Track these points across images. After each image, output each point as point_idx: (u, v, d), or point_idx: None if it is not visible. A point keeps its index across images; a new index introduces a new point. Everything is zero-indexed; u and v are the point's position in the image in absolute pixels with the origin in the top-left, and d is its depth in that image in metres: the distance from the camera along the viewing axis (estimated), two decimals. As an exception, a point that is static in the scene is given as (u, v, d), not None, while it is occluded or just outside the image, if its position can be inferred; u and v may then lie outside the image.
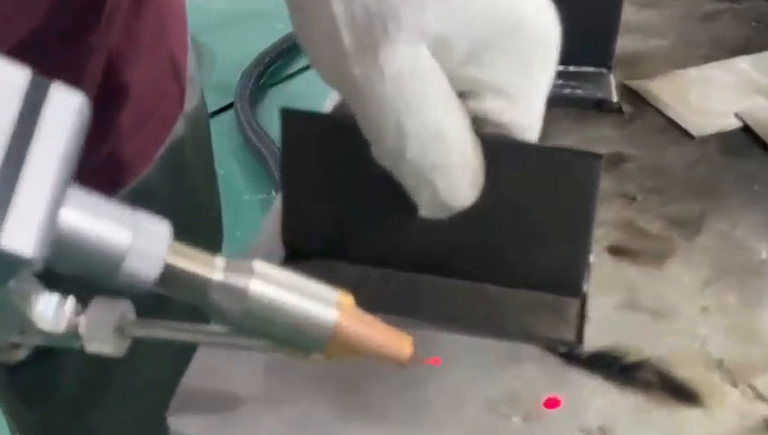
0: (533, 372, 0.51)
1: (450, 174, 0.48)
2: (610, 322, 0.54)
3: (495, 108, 0.48)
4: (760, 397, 0.49)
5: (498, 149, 0.50)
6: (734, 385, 0.50)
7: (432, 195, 0.48)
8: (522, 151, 0.51)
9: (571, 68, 0.74)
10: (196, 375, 0.49)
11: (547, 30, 0.48)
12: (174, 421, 0.46)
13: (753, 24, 0.85)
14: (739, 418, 0.48)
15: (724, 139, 0.70)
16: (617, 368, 0.51)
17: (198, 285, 0.39)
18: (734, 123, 0.72)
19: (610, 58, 0.74)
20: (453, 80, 0.47)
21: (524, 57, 0.48)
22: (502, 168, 0.50)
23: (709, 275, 0.57)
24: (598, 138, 0.70)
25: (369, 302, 0.53)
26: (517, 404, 0.48)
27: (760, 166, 0.67)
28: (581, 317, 0.53)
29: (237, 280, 0.39)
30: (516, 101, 0.48)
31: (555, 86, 0.73)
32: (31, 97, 0.35)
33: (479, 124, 0.49)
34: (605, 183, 0.64)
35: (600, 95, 0.73)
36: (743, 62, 0.79)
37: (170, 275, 0.38)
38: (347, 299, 0.42)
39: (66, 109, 0.36)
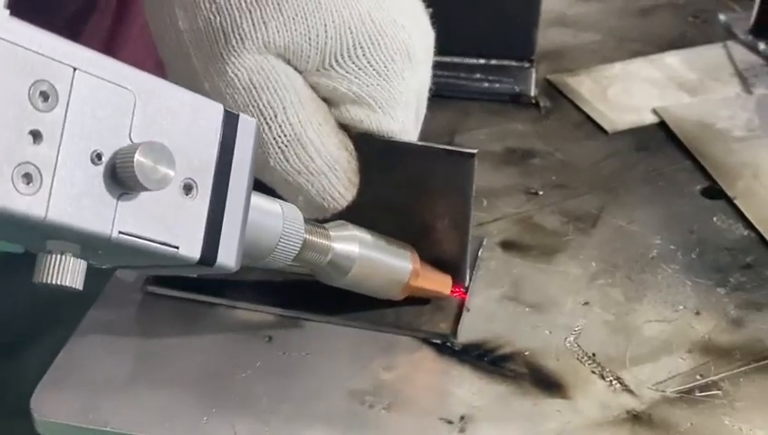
0: (404, 362, 0.52)
1: (317, 177, 0.49)
2: (491, 314, 0.55)
3: (355, 116, 0.49)
4: (626, 389, 0.50)
5: (374, 149, 0.51)
6: (603, 377, 0.51)
7: (305, 199, 0.50)
8: (397, 150, 0.52)
9: (493, 62, 0.75)
10: (64, 364, 0.50)
11: (410, 39, 0.49)
12: (37, 407, 0.47)
13: (690, 19, 0.86)
14: (601, 409, 0.49)
15: (638, 134, 0.71)
16: (488, 359, 0.52)
17: (320, 255, 0.49)
18: (651, 119, 0.72)
19: (532, 52, 0.75)
20: (314, 87, 0.48)
21: (382, 68, 0.49)
22: (378, 167, 0.51)
23: (597, 270, 0.58)
24: (511, 132, 0.70)
25: (255, 293, 0.54)
26: (383, 395, 0.49)
27: (669, 162, 0.68)
28: (459, 310, 0.54)
29: (348, 248, 0.50)
30: (375, 110, 0.49)
31: (475, 80, 0.75)
32: (226, 130, 0.41)
33: (351, 127, 0.50)
34: (509, 178, 0.66)
35: (517, 89, 0.73)
36: (671, 58, 0.80)
37: (303, 248, 0.47)
38: (413, 251, 0.53)
39: (249, 135, 0.42)
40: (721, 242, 0.60)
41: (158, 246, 0.39)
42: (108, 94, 0.37)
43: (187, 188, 0.40)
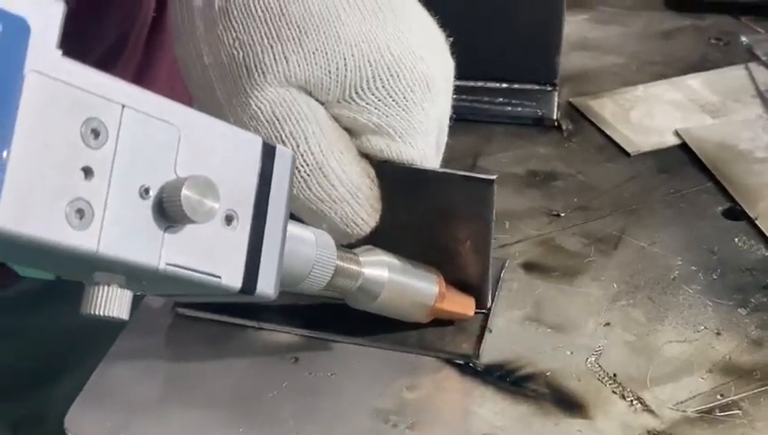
0: (427, 383, 0.52)
1: (340, 205, 0.50)
2: (512, 335, 0.55)
3: (376, 145, 0.50)
4: (647, 409, 0.51)
5: (395, 176, 0.52)
6: (623, 397, 0.51)
7: (329, 226, 0.51)
8: (418, 177, 0.53)
9: (516, 86, 0.76)
10: (97, 386, 0.51)
11: (429, 70, 0.50)
12: (71, 428, 0.49)
13: (712, 41, 0.87)
14: (622, 429, 0.50)
15: (661, 156, 0.72)
16: (510, 380, 0.52)
17: (351, 281, 0.50)
18: (673, 141, 0.73)
19: (554, 76, 0.76)
20: (335, 118, 0.50)
21: (401, 98, 0.50)
22: (400, 194, 0.52)
23: (618, 291, 0.58)
24: (533, 155, 0.71)
25: (281, 314, 0.56)
26: (407, 414, 0.50)
27: (690, 183, 0.68)
28: (482, 331, 0.55)
29: (377, 273, 0.51)
30: (395, 140, 0.50)
31: (498, 103, 0.76)
32: (264, 162, 0.43)
33: (372, 156, 0.51)
34: (531, 200, 0.66)
35: (540, 112, 0.74)
36: (693, 80, 0.81)
37: (335, 275, 0.49)
38: (438, 274, 0.54)
39: (286, 166, 0.44)
40: (742, 263, 0.61)
41: (202, 276, 0.40)
42: (154, 130, 0.38)
43: (228, 219, 0.41)
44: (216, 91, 0.48)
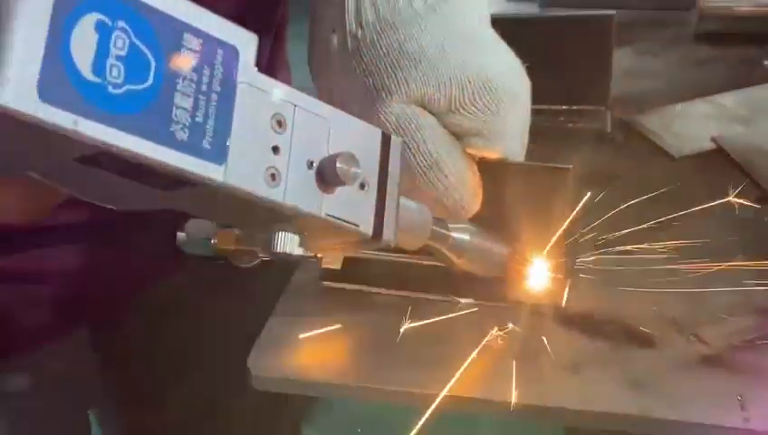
0: (524, 327, 0.66)
1: (452, 192, 0.64)
2: (589, 292, 0.69)
3: (476, 145, 0.64)
4: (701, 341, 0.64)
5: (491, 169, 0.66)
6: (682, 334, 0.65)
7: (444, 209, 0.64)
8: (508, 169, 0.67)
9: (575, 107, 0.91)
10: (267, 337, 0.66)
11: (513, 86, 0.64)
12: (252, 367, 0.63)
13: (740, 66, 1.01)
14: (682, 355, 0.63)
15: (700, 158, 0.85)
16: (590, 324, 0.66)
17: (441, 242, 0.61)
18: (711, 146, 0.87)
19: (606, 98, 0.90)
20: (444, 125, 0.64)
21: (494, 108, 0.63)
22: (495, 182, 0.66)
23: (674, 258, 0.72)
24: (594, 161, 0.85)
25: (395, 280, 0.70)
26: (511, 350, 0.64)
27: (727, 178, 0.81)
28: (565, 288, 0.69)
29: (462, 236, 0.62)
30: (490, 140, 0.64)
31: (561, 122, 0.90)
32: (383, 146, 0.56)
33: (474, 153, 0.66)
34: (595, 195, 0.80)
35: (596, 127, 0.89)
36: (724, 98, 0.95)
37: (430, 237, 0.60)
38: (508, 240, 0.65)
39: (398, 149, 0.57)
40: (774, 236, 0.74)
41: (347, 224, 0.54)
42: (314, 122, 0.53)
43: (362, 186, 0.55)
44: (351, 108, 0.63)
